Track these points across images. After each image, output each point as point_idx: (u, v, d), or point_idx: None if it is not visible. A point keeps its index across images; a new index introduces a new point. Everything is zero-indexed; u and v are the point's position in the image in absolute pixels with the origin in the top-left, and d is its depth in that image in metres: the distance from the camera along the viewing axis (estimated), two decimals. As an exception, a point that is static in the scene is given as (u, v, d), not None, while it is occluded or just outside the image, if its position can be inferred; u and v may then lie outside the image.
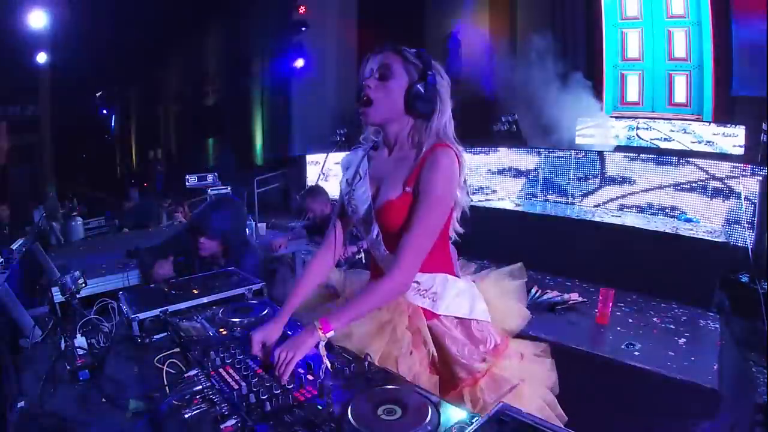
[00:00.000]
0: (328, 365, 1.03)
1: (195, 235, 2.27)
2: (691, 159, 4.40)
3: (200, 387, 0.99)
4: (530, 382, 1.21)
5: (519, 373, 1.21)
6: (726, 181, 4.08)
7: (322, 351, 1.05)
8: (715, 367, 2.10)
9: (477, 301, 1.27)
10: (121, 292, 1.54)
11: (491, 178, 5.68)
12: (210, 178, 8.33)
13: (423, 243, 1.13)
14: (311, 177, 7.08)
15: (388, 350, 1.15)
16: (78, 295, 1.45)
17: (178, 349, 1.20)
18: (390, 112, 1.16)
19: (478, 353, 1.21)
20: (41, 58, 7.64)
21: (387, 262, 1.21)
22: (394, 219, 1.17)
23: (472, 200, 1.34)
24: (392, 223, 1.18)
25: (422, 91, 1.13)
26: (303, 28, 8.61)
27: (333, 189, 6.98)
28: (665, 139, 5.25)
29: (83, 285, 1.48)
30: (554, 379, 1.27)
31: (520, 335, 1.36)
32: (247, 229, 2.79)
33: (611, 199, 4.79)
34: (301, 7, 8.69)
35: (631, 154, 4.77)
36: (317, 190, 3.34)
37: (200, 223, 2.29)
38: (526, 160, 5.41)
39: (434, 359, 1.20)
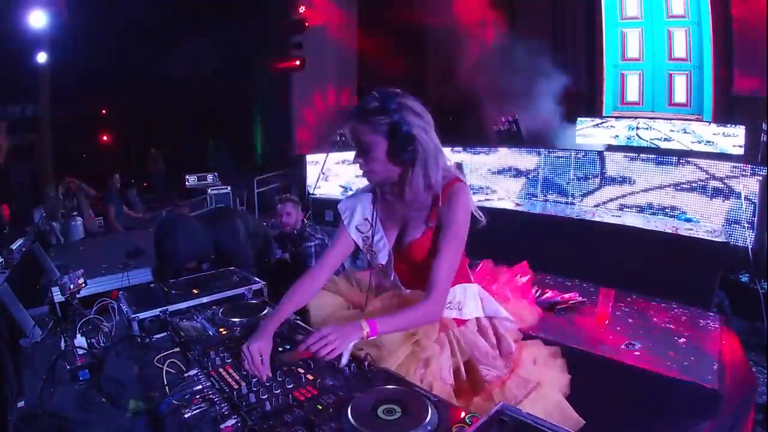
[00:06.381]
0: (346, 360, 1.05)
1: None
2: (691, 159, 4.39)
3: (200, 387, 0.99)
4: (545, 385, 1.26)
5: (535, 378, 1.27)
6: (726, 181, 4.07)
7: (350, 347, 1.07)
8: (715, 367, 2.10)
9: (486, 299, 1.37)
10: (121, 292, 1.54)
11: (491, 178, 5.67)
12: (210, 178, 8.34)
13: (451, 273, 1.22)
14: (311, 177, 7.07)
15: (406, 361, 1.17)
16: (78, 295, 1.45)
17: (178, 349, 1.20)
18: (385, 173, 1.22)
19: (500, 359, 1.28)
20: (41, 58, 7.63)
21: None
22: (418, 254, 1.27)
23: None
24: (416, 259, 1.27)
25: (400, 146, 1.15)
26: (305, 26, 8.62)
27: (332, 189, 6.89)
28: (665, 139, 5.24)
29: (83, 285, 1.48)
30: (566, 381, 1.32)
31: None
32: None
33: (611, 199, 4.79)
34: (301, 7, 8.71)
35: (631, 154, 4.76)
36: (297, 202, 3.13)
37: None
38: (526, 160, 5.40)
39: (458, 369, 1.23)
